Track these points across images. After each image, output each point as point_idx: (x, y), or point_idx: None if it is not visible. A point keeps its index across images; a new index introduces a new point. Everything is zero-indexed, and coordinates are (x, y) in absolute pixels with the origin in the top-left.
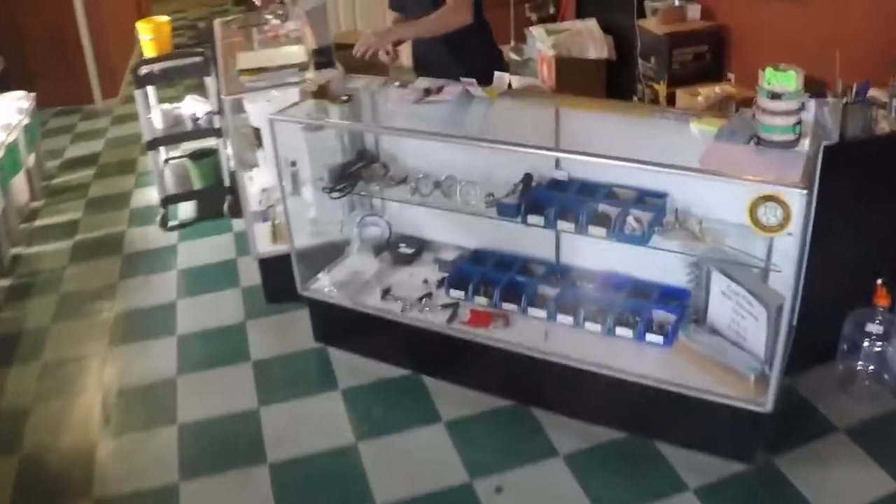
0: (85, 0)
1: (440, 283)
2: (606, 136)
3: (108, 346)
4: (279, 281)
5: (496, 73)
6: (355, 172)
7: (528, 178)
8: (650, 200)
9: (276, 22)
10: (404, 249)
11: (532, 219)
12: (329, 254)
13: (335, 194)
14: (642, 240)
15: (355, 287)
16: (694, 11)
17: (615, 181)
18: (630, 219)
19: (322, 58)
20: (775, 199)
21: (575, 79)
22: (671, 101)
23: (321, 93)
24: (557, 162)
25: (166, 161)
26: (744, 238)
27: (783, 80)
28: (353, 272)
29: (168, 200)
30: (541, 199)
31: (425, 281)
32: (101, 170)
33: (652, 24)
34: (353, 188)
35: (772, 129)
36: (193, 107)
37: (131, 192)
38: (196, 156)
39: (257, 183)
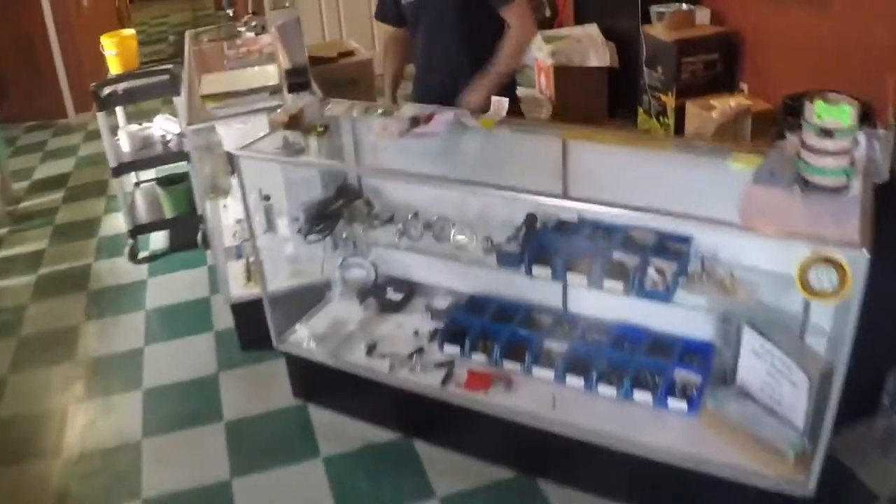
0: (55, 9)
1: (432, 336)
2: (622, 175)
3: (69, 402)
4: (255, 326)
5: (493, 98)
6: (335, 211)
7: (531, 219)
8: (673, 246)
9: (250, 35)
10: (392, 295)
11: (537, 270)
12: (308, 298)
13: (312, 237)
14: (666, 296)
15: (337, 340)
16: (703, 16)
17: (631, 222)
18: (651, 270)
19: (296, 78)
20: (830, 261)
21: (575, 89)
22: (680, 113)
23: (294, 123)
24: (565, 193)
25: (137, 185)
26: (779, 289)
27: (836, 114)
28: (335, 322)
29: (137, 231)
30: (547, 245)
31: (416, 332)
32: (71, 192)
33: (658, 30)
34: (333, 230)
35: (821, 171)
36: (164, 126)
37: (101, 217)
38: (167, 181)
39: (231, 213)
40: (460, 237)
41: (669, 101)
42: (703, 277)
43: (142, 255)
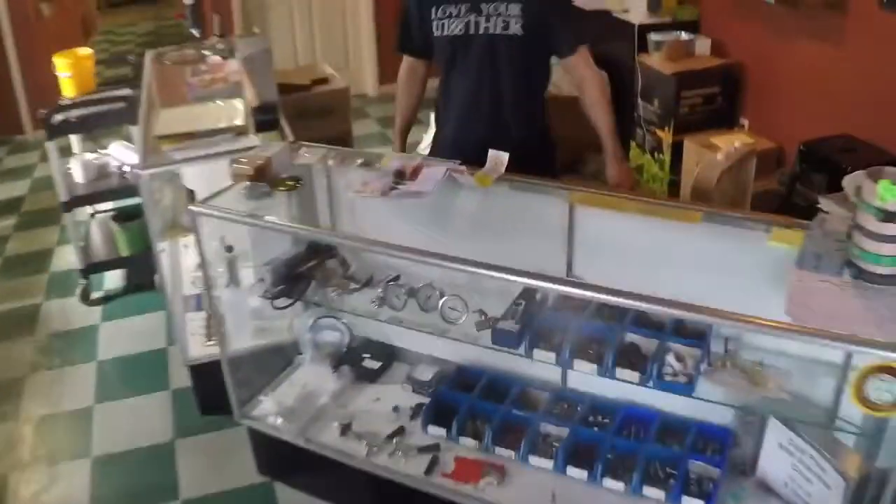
0: (13, 17)
1: (415, 413)
2: (636, 249)
3: (12, 468)
4: (215, 390)
5: (491, 153)
6: (305, 272)
7: (530, 291)
8: (692, 326)
9: (216, 59)
10: (369, 363)
11: (539, 354)
12: (274, 362)
13: (280, 303)
14: (688, 389)
15: (307, 416)
16: (703, 46)
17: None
18: (670, 358)
19: (265, 115)
20: (890, 370)
21: (564, 119)
22: (677, 150)
23: (260, 175)
24: (570, 266)
25: (92, 215)
26: (809, 375)
27: None
28: (305, 392)
29: (90, 270)
30: (548, 323)
31: (395, 408)
32: (24, 219)
33: (655, 61)
34: (303, 294)
35: (877, 258)
36: (121, 154)
37: (53, 249)
38: (123, 216)
39: (192, 255)
40: (450, 309)
41: (666, 136)
42: (727, 364)
43: (95, 295)
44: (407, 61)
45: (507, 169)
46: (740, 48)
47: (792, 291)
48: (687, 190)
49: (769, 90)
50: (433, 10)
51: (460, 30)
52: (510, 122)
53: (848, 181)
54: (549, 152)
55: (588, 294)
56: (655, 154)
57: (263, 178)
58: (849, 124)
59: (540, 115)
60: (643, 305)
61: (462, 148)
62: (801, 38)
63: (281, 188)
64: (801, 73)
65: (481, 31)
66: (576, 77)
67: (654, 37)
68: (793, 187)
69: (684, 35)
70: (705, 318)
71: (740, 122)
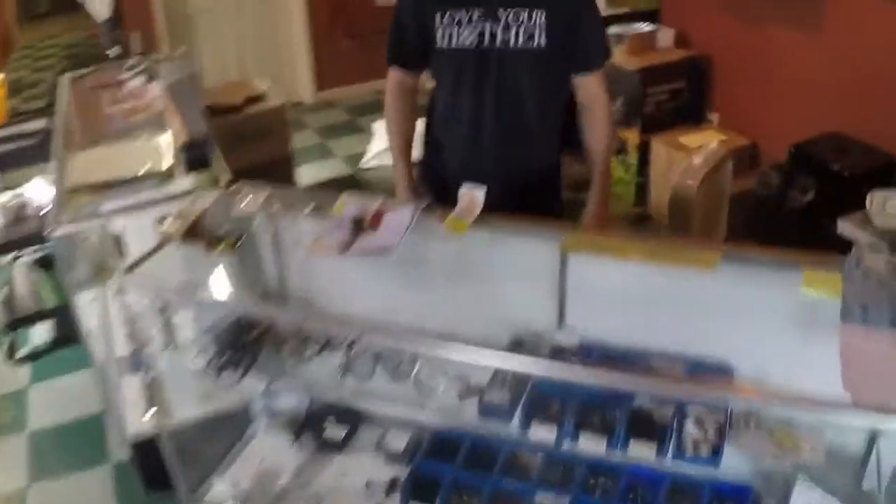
0: None
1: (390, 489)
2: (638, 295)
3: None
4: (159, 463)
5: (463, 188)
6: (254, 338)
7: (517, 348)
8: (709, 380)
9: (136, 82)
10: (332, 430)
11: (537, 430)
12: (224, 433)
13: (226, 376)
14: (713, 461)
15: (269, 499)
16: (666, 38)
17: (650, 346)
18: (689, 425)
19: (195, 152)
20: None
21: None
22: (644, 152)
23: (193, 234)
24: (561, 316)
25: (14, 259)
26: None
27: None
28: (263, 470)
29: (15, 324)
30: (544, 390)
31: (368, 484)
32: None
33: (616, 56)
34: (253, 363)
35: None
36: (40, 193)
37: None
38: (47, 262)
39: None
40: (425, 378)
41: (632, 136)
42: (752, 424)
43: (21, 352)
44: (397, 74)
45: (518, 206)
46: (706, 39)
47: (845, 359)
48: (662, 198)
49: (740, 83)
50: (437, 15)
51: (472, 41)
52: (535, 151)
53: (873, 199)
54: (559, 187)
55: (585, 377)
56: (620, 156)
57: (197, 238)
58: (833, 120)
59: (560, 142)
60: (650, 387)
61: (478, 169)
62: (775, 25)
63: (218, 248)
64: (776, 63)
65: (498, 43)
66: (588, 94)
67: (613, 29)
68: (784, 191)
69: (645, 27)
70: (725, 395)
71: (708, 117)
